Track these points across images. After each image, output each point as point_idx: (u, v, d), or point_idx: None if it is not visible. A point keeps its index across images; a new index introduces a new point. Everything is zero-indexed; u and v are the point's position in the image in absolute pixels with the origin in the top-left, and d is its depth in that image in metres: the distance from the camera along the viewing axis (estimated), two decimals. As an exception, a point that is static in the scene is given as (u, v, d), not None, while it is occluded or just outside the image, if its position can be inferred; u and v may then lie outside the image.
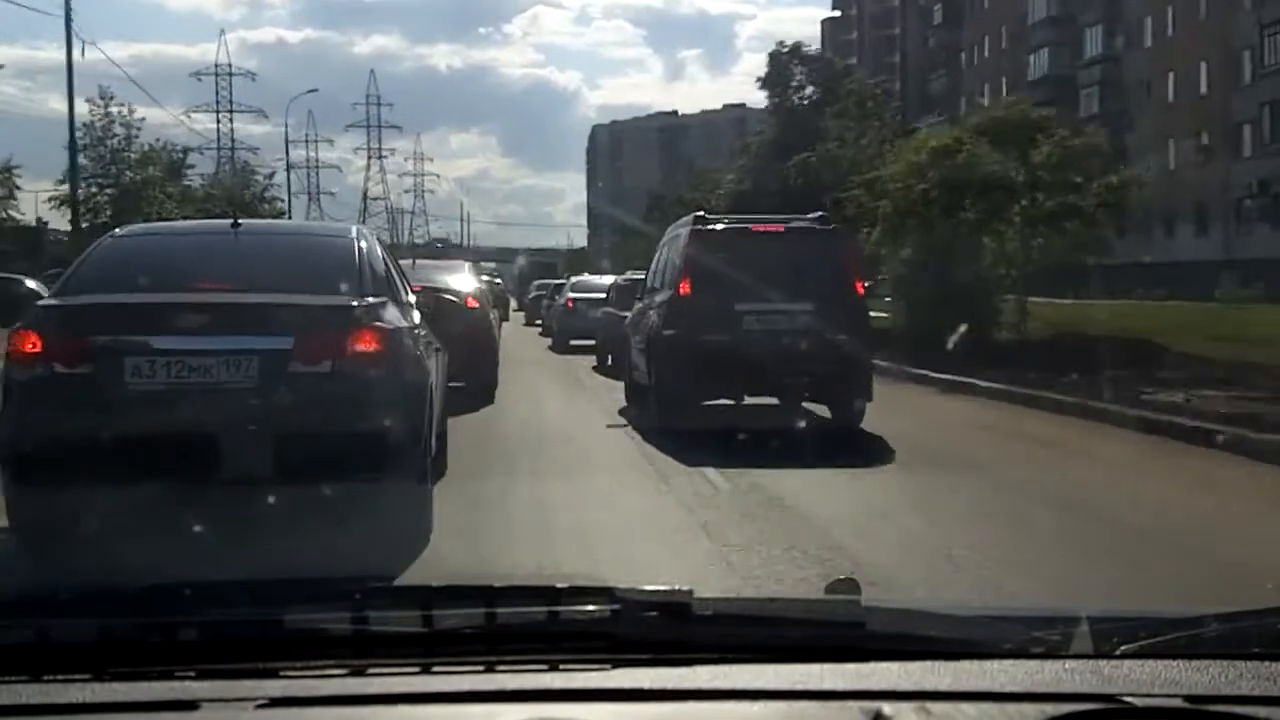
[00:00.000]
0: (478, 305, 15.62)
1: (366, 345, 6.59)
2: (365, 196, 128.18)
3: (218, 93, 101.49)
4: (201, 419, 6.26)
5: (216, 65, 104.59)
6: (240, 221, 8.16)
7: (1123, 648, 1.74)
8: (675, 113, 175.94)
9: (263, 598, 1.85)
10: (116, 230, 8.39)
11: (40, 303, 7.50)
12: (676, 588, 1.76)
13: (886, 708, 1.52)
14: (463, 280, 16.24)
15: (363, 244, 7.57)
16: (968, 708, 1.55)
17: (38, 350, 6.43)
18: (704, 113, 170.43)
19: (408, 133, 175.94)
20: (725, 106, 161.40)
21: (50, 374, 6.37)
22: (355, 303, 6.77)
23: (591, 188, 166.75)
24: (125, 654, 1.67)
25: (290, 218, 57.81)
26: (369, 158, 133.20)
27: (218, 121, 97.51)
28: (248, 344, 6.40)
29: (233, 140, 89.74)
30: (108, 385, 6.28)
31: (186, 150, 59.22)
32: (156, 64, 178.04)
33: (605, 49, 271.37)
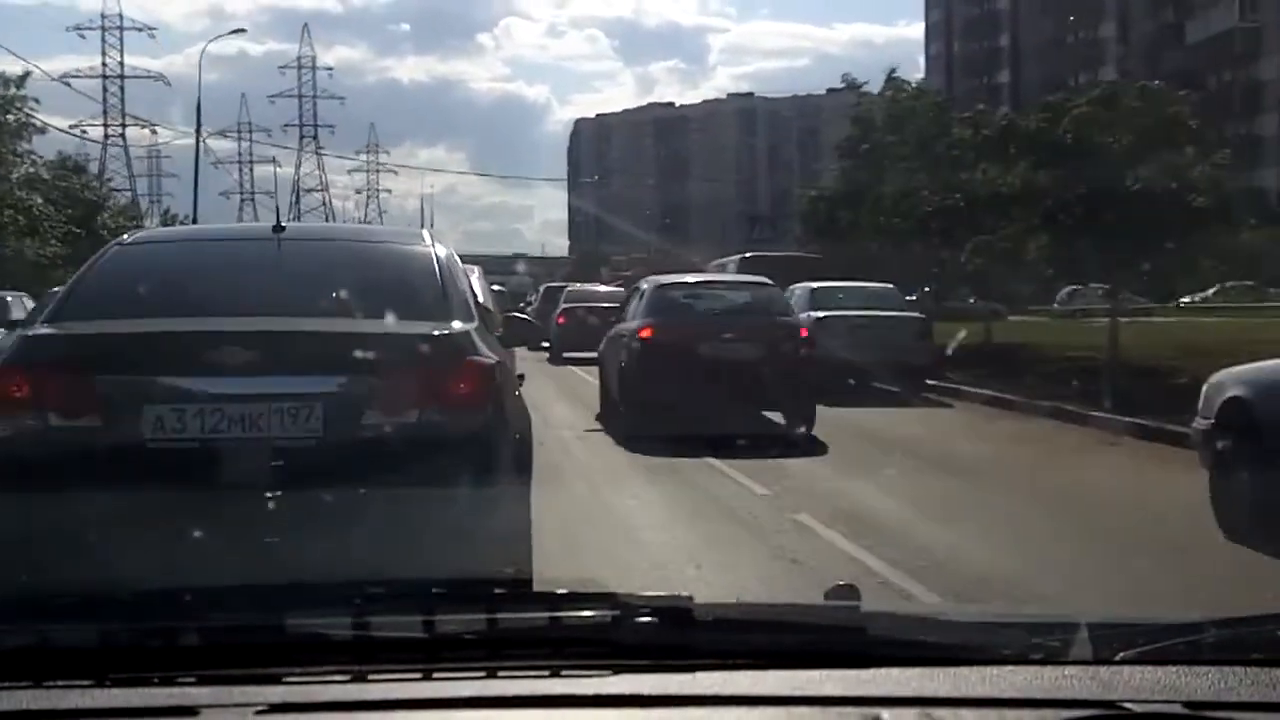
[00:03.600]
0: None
1: (466, 387, 5.06)
2: (297, 188, 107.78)
3: (104, 53, 78.43)
4: (245, 487, 4.79)
5: (104, 17, 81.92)
6: (284, 225, 6.33)
7: (1122, 654, 1.74)
8: (672, 104, 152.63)
9: (264, 602, 1.85)
10: (124, 237, 6.88)
11: (26, 332, 5.92)
12: (676, 594, 1.77)
13: (886, 714, 1.53)
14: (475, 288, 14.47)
15: (440, 252, 5.93)
16: (968, 714, 1.55)
17: (24, 395, 4.92)
18: (705, 103, 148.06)
19: (348, 133, 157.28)
20: (730, 96, 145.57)
21: (42, 427, 4.86)
22: (446, 330, 5.25)
23: (574, 192, 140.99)
24: (127, 659, 1.67)
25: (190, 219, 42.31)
26: (300, 145, 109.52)
27: (104, 89, 76.79)
28: (309, 386, 4.92)
29: (123, 108, 73.32)
30: (120, 441, 4.81)
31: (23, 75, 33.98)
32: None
33: (576, 62, 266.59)
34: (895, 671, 1.67)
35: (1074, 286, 36.06)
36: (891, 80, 27.94)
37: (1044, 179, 17.92)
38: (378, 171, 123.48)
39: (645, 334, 13.38)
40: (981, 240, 21.07)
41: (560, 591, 1.76)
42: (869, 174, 26.17)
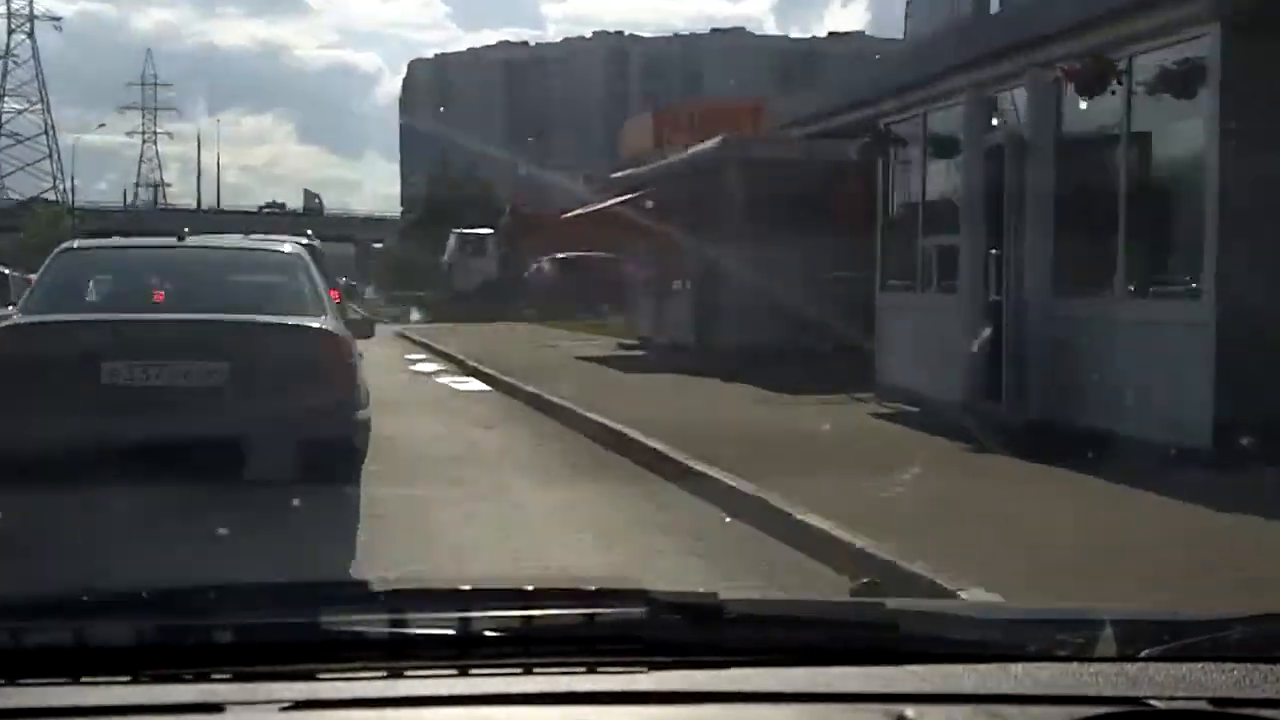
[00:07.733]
0: None
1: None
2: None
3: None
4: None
5: None
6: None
7: (1146, 651, 1.75)
8: (526, 44, 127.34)
9: (298, 600, 1.86)
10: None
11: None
12: (707, 591, 1.78)
13: (911, 711, 1.54)
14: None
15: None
16: (992, 710, 1.56)
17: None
18: (567, 41, 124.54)
19: (188, 112, 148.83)
20: (596, 35, 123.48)
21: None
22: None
23: (406, 154, 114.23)
24: (161, 656, 1.68)
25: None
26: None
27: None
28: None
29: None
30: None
31: None
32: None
33: (409, 30, 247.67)
34: (921, 668, 1.68)
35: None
36: None
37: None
38: (154, 135, 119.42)
39: None
40: None
41: (591, 588, 1.78)
42: None
